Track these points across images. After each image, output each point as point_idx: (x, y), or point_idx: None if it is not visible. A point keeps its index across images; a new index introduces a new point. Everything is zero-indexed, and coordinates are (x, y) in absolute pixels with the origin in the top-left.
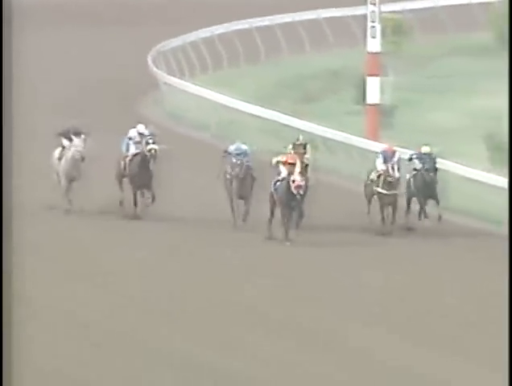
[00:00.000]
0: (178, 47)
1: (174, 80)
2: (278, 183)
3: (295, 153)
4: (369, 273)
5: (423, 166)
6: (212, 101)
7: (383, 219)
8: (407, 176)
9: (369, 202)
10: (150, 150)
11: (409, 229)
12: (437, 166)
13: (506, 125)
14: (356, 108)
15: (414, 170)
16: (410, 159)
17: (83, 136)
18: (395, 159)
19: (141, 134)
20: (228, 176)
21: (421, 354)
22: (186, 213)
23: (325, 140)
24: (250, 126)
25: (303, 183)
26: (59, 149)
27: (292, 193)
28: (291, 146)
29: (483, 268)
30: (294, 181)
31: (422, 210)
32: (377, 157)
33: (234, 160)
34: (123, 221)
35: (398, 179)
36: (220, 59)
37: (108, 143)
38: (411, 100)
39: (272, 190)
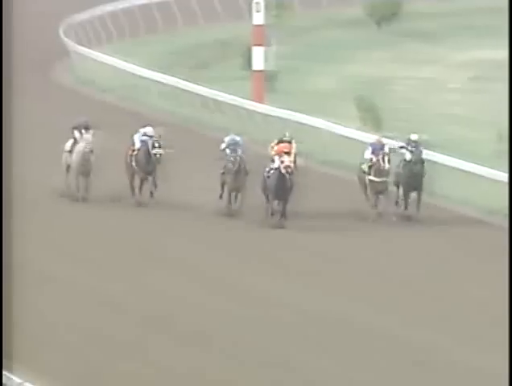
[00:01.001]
0: (86, 20)
1: (82, 49)
2: (272, 171)
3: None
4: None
5: (412, 158)
6: (116, 67)
7: (375, 206)
8: (395, 166)
9: (365, 191)
10: (155, 154)
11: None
12: (424, 156)
13: (378, 89)
14: (243, 74)
15: (404, 160)
16: (402, 147)
17: (92, 131)
18: (385, 151)
19: (149, 136)
20: (222, 170)
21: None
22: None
23: (217, 102)
24: (151, 90)
25: (291, 164)
26: (71, 141)
27: (286, 180)
28: (276, 142)
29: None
30: (282, 162)
31: (405, 200)
32: (366, 148)
33: (229, 154)
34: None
35: (388, 170)
36: (123, 30)
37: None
38: (292, 67)
39: (265, 176)
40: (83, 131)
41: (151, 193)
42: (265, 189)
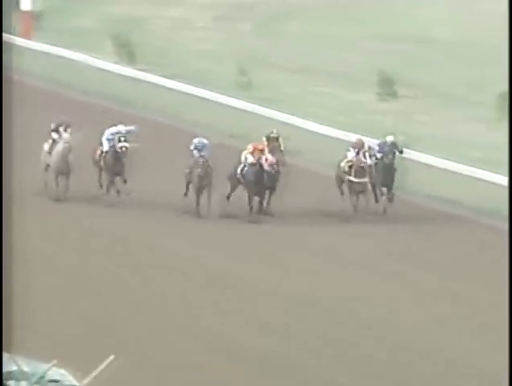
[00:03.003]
0: None
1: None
2: (245, 168)
3: (270, 144)
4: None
5: (383, 156)
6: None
7: (354, 206)
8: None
9: (340, 189)
10: (121, 148)
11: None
12: (397, 155)
13: (133, 27)
14: (13, 14)
15: (376, 158)
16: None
17: (69, 130)
18: (366, 148)
19: (118, 133)
20: (187, 170)
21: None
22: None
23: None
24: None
25: (275, 160)
26: (49, 142)
27: (264, 176)
28: (264, 139)
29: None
30: (267, 159)
31: (376, 196)
32: (348, 150)
33: (197, 157)
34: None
35: (370, 166)
36: None
37: None
38: (58, 7)
39: (238, 175)
40: (61, 130)
41: (118, 192)
42: (235, 185)
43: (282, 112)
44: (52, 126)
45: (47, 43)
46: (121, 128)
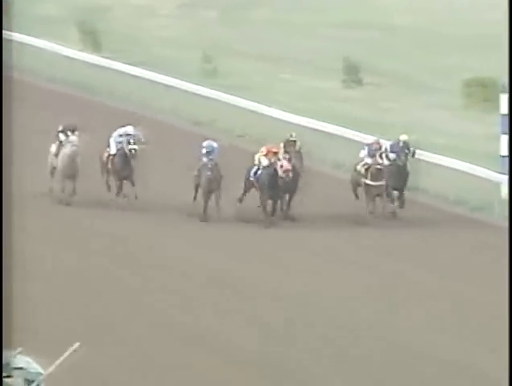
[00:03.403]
0: None
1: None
2: (259, 171)
3: (288, 148)
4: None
5: (396, 157)
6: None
7: (370, 209)
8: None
9: (355, 193)
10: (130, 150)
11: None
12: (410, 156)
13: (99, 15)
14: None
15: (388, 160)
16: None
17: (77, 132)
18: (382, 150)
19: (127, 135)
20: (196, 172)
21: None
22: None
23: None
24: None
25: (290, 167)
26: (56, 144)
27: (278, 180)
28: (282, 144)
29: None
30: (282, 166)
31: (389, 199)
32: (362, 148)
33: (205, 161)
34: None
35: (386, 167)
36: None
37: None
38: None
39: (251, 178)
40: (69, 133)
41: (130, 196)
42: (248, 187)
43: (248, 99)
44: (60, 128)
45: (13, 31)
46: (130, 129)
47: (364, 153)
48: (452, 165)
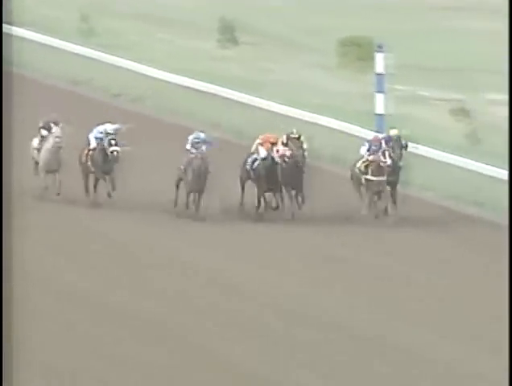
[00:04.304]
0: None
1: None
2: (256, 162)
3: (290, 143)
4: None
5: (390, 152)
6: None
7: (370, 205)
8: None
9: (359, 189)
10: (112, 152)
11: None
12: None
13: None
14: None
15: (391, 159)
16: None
17: (61, 124)
18: (384, 147)
19: (106, 133)
20: (182, 167)
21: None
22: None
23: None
24: None
25: (287, 153)
26: (38, 139)
27: (276, 169)
28: (285, 137)
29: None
30: (278, 151)
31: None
32: (362, 144)
33: (191, 153)
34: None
35: (389, 166)
36: None
37: None
38: None
39: (248, 168)
40: (52, 125)
41: (109, 194)
42: (245, 180)
43: (125, 58)
44: (40, 124)
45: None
46: (108, 126)
47: (364, 149)
48: (328, 124)
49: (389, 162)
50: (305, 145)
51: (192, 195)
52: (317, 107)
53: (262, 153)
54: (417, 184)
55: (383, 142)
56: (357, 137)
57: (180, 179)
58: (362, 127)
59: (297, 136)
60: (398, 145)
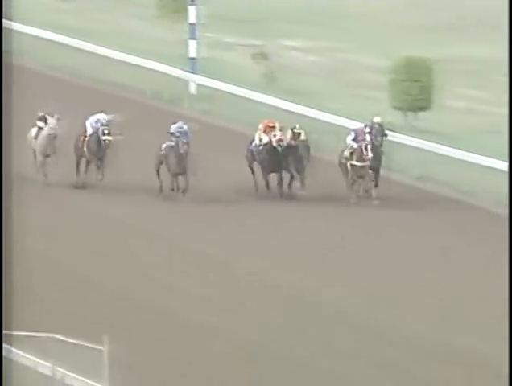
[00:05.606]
0: None
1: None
2: (261, 147)
3: (294, 139)
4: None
5: (372, 138)
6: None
7: (355, 189)
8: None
9: (346, 176)
10: (104, 140)
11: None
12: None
13: None
14: None
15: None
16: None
17: (56, 116)
18: (367, 139)
19: (101, 123)
20: (162, 152)
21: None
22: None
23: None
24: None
25: (283, 137)
26: (36, 128)
27: (276, 153)
28: (288, 132)
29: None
30: (275, 135)
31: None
32: (348, 134)
33: (171, 141)
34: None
35: (370, 158)
36: None
37: None
38: None
39: (254, 150)
40: (47, 116)
41: (100, 178)
42: (251, 163)
43: None
44: (38, 116)
45: None
46: (102, 116)
47: (350, 138)
48: (148, 64)
49: (370, 155)
50: (303, 137)
51: (176, 177)
52: (141, 51)
53: (265, 139)
54: None
55: (367, 135)
56: (174, 76)
57: (161, 163)
58: (179, 69)
59: (299, 131)
60: (379, 132)
